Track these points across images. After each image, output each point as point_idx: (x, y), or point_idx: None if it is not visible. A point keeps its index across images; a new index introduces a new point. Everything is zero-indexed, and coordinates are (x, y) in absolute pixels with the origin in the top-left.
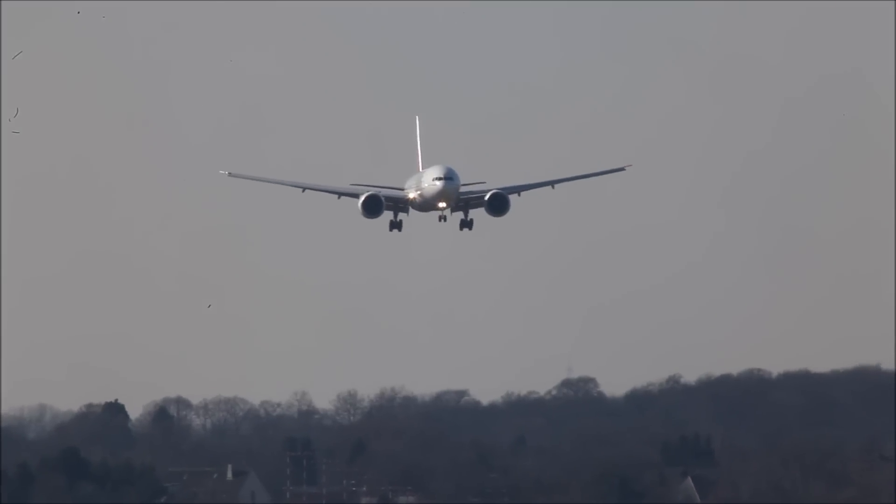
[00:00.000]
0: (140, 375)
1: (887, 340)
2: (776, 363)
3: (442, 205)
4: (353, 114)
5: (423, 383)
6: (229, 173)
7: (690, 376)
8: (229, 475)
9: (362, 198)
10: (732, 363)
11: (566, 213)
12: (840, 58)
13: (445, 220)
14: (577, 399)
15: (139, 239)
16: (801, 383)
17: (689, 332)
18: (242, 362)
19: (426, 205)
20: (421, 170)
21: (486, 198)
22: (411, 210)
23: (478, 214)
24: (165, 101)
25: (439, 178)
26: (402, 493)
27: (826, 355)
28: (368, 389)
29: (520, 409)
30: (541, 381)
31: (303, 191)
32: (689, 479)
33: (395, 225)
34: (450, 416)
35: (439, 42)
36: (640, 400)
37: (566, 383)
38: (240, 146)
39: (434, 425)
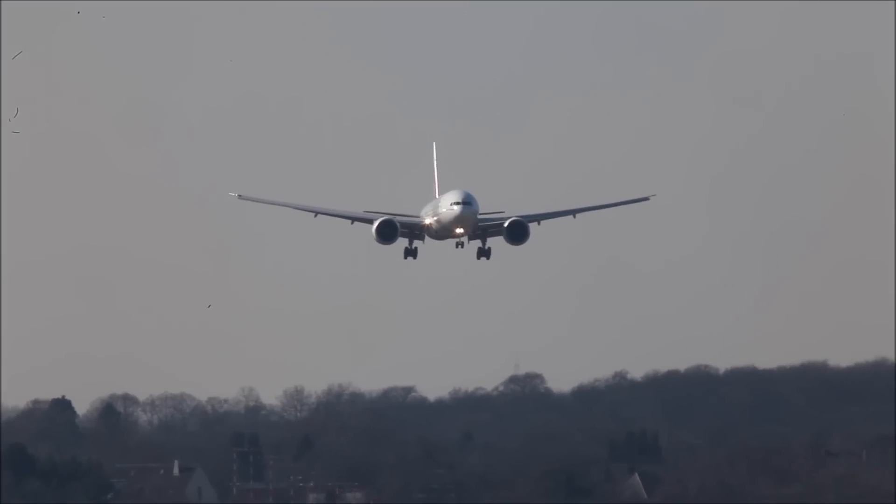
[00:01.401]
0: (87, 372)
1: (834, 336)
2: (723, 359)
3: (459, 231)
4: (368, 140)
5: (371, 380)
6: (239, 195)
7: (637, 372)
8: (176, 471)
9: (376, 222)
10: (679, 359)
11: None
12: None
13: (463, 246)
14: (524, 395)
15: (97, 237)
16: (747, 380)
17: (635, 328)
18: (190, 359)
19: (443, 231)
20: (437, 196)
21: (506, 225)
22: (427, 239)
23: (496, 243)
24: (165, 101)
25: (457, 203)
26: (349, 489)
27: (773, 351)
28: (316, 386)
29: (467, 405)
30: (488, 378)
31: (315, 215)
32: (636, 476)
33: (410, 252)
34: (397, 412)
35: (459, 69)
36: (586, 396)
37: (513, 379)
38: (249, 165)
39: (381, 422)
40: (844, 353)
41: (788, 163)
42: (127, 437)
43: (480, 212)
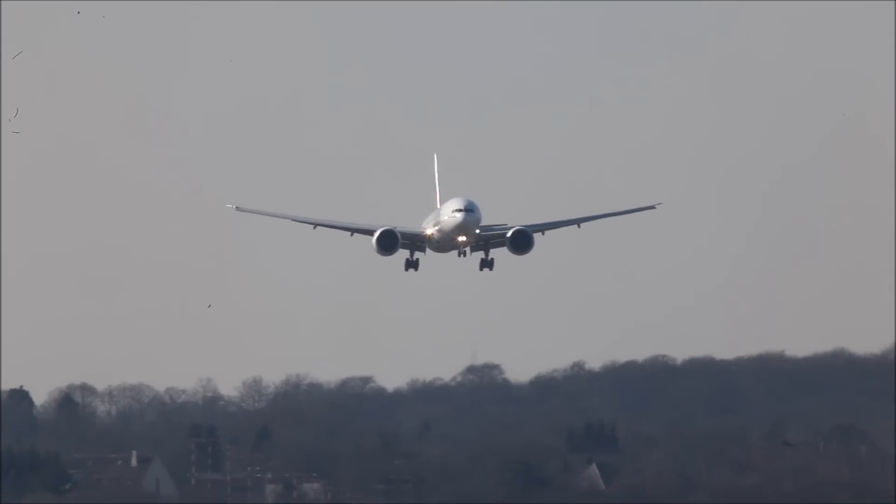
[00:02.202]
0: (45, 362)
1: (792, 326)
2: (681, 350)
3: (462, 239)
4: (368, 152)
5: (329, 370)
6: (237, 207)
7: (595, 363)
8: (134, 462)
9: (377, 233)
10: (637, 350)
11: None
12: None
13: (465, 255)
14: (482, 385)
15: (65, 229)
16: (705, 370)
17: (593, 318)
18: (148, 349)
19: (444, 241)
20: (439, 207)
21: (509, 235)
22: (428, 251)
23: (498, 255)
24: (165, 103)
25: (459, 210)
26: (307, 479)
27: (731, 342)
28: (274, 376)
29: (424, 395)
30: (445, 368)
31: (314, 227)
32: (594, 466)
33: (412, 264)
34: (355, 402)
35: (460, 78)
36: (544, 387)
37: (471, 369)
38: (247, 176)
39: (339, 412)
40: (802, 342)
41: (761, 154)
42: (85, 428)
43: (483, 223)
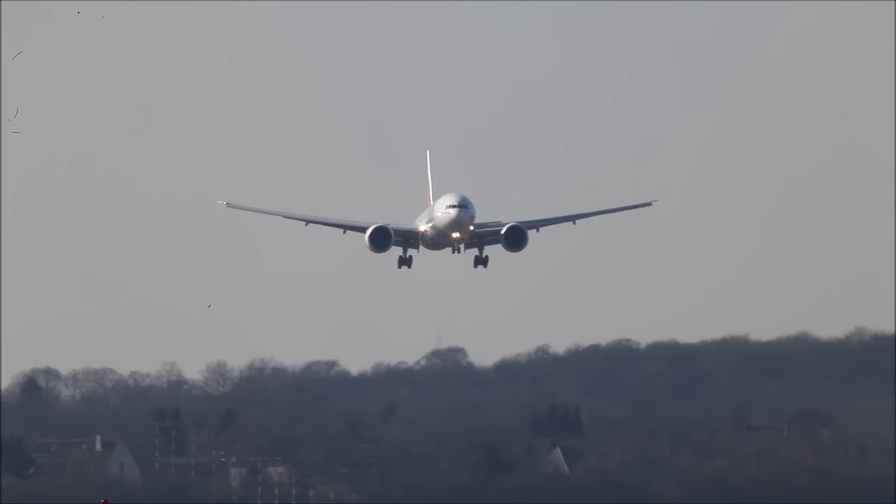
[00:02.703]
0: (8, 346)
1: (756, 311)
2: (645, 334)
3: (456, 236)
4: (361, 149)
5: (293, 354)
6: (227, 203)
7: (559, 347)
8: (98, 446)
9: (370, 230)
10: (601, 334)
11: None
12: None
13: (459, 251)
14: (446, 369)
15: (32, 219)
16: (669, 354)
17: (557, 302)
18: (112, 332)
19: (438, 238)
20: (432, 204)
21: (503, 231)
22: (421, 248)
23: (493, 251)
24: (166, 101)
25: (453, 206)
26: (272, 463)
27: (694, 326)
28: (238, 360)
29: (389, 379)
30: (410, 352)
31: (306, 224)
32: (558, 450)
33: (405, 261)
34: (319, 386)
35: (453, 74)
36: (508, 370)
37: (435, 353)
38: (238, 172)
39: (303, 396)
40: (766, 327)
41: (740, 145)
42: (49, 412)
43: (477, 220)
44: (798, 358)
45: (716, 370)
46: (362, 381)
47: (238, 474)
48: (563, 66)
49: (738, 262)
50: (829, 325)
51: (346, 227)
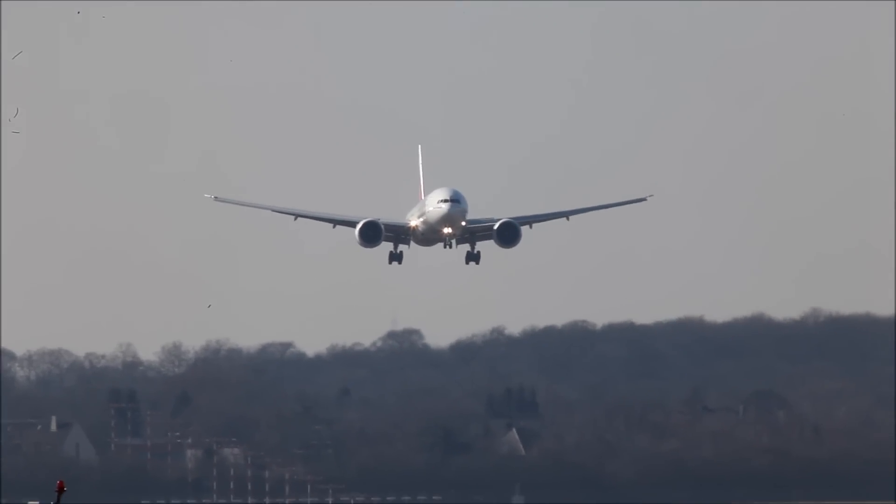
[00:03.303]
0: None
1: (711, 292)
2: (600, 315)
3: (447, 231)
4: (350, 142)
5: (249, 336)
6: (215, 197)
7: (515, 328)
8: (53, 427)
9: (360, 224)
10: (557, 315)
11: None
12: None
13: (451, 247)
14: (402, 351)
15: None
16: (625, 335)
17: (512, 283)
18: (67, 314)
19: (429, 233)
20: (423, 198)
21: (496, 227)
22: (412, 244)
23: (485, 247)
24: (166, 101)
25: (445, 200)
26: (227, 444)
27: (650, 307)
28: (193, 341)
29: (344, 360)
30: (366, 333)
31: (295, 218)
32: (514, 431)
33: (395, 257)
34: (275, 368)
35: (446, 68)
36: (464, 352)
37: (391, 335)
38: (228, 165)
39: (259, 378)
40: (721, 308)
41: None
42: (4, 393)
43: (469, 216)
44: (753, 339)
45: (671, 351)
46: (318, 362)
47: (194, 455)
48: (555, 62)
49: (693, 245)
50: (785, 307)
51: (336, 222)
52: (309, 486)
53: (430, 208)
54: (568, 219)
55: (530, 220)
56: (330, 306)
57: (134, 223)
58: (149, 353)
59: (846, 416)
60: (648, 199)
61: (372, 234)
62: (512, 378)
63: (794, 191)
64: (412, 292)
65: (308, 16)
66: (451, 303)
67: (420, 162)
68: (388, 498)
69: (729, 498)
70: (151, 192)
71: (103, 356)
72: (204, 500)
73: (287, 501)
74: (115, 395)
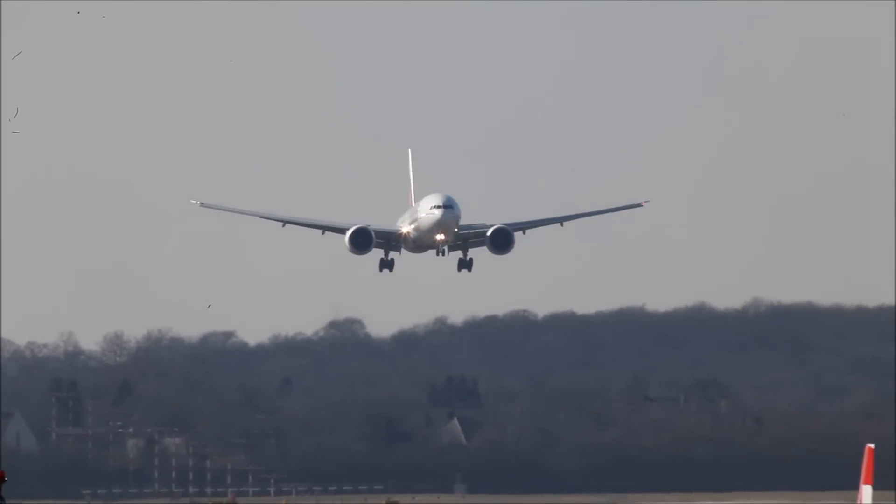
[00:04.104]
0: None
1: (653, 281)
2: (541, 305)
3: (440, 237)
4: (338, 147)
5: (190, 325)
6: (201, 203)
7: (457, 318)
8: None
9: (350, 231)
10: (498, 305)
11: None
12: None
13: (444, 254)
14: (344, 340)
15: None
16: (566, 325)
17: (455, 273)
18: (8, 303)
19: (421, 240)
20: (414, 205)
21: (489, 233)
22: (403, 251)
23: (477, 254)
24: (165, 101)
25: (437, 206)
26: (169, 434)
27: (591, 297)
28: (135, 331)
29: (287, 350)
30: (308, 323)
31: (283, 225)
32: (456, 420)
33: (386, 264)
34: (217, 357)
35: (437, 71)
36: (406, 341)
37: (333, 325)
38: (212, 172)
39: (201, 367)
40: (662, 297)
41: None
42: None
43: (462, 223)
44: (695, 329)
45: (613, 341)
46: (260, 351)
47: (135, 445)
48: (548, 66)
49: (634, 233)
50: (726, 296)
51: (325, 228)
52: (250, 476)
53: (423, 214)
54: (562, 224)
55: (523, 227)
56: (272, 296)
57: (77, 213)
58: (90, 342)
59: (788, 405)
60: (644, 204)
61: (363, 240)
62: (454, 368)
63: (735, 182)
64: (354, 282)
65: (294, 20)
66: (393, 293)
67: (410, 166)
68: (330, 487)
69: (670, 487)
70: (100, 185)
71: (45, 345)
72: (145, 490)
73: (228, 491)
74: (56, 385)
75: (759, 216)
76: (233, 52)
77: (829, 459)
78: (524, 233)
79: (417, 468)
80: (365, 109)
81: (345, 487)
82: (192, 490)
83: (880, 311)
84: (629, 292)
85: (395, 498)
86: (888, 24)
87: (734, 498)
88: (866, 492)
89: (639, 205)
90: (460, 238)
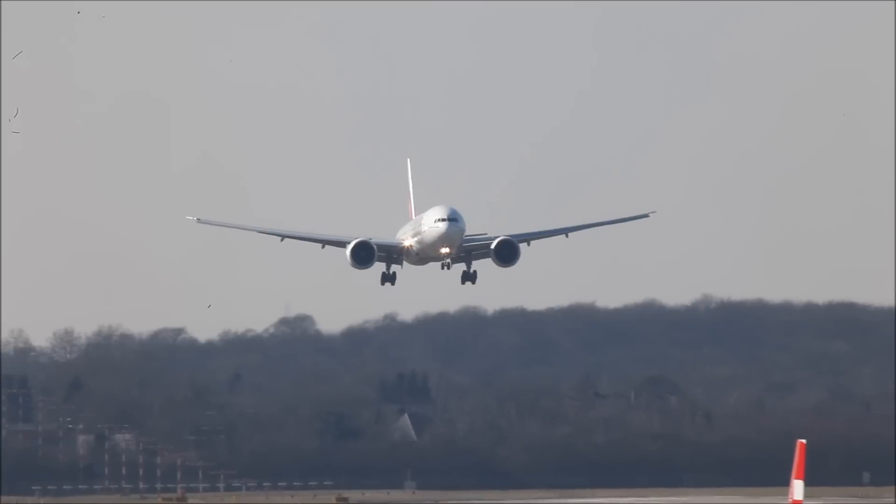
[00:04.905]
0: None
1: (603, 277)
2: (492, 301)
3: (445, 251)
4: (336, 157)
5: (141, 321)
6: (198, 219)
7: (407, 314)
8: None
9: (351, 245)
10: (449, 301)
11: None
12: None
13: (449, 267)
14: (294, 337)
15: None
16: (516, 321)
17: (404, 269)
18: None
19: (425, 253)
20: (414, 217)
21: (494, 245)
22: (405, 263)
23: (481, 266)
24: (164, 102)
25: (442, 219)
26: (119, 430)
27: (541, 293)
28: (85, 327)
29: (237, 346)
30: (258, 319)
31: (281, 239)
32: (406, 417)
33: (388, 278)
34: (167, 353)
35: (438, 78)
36: (356, 338)
37: (283, 321)
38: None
39: (151, 363)
40: (613, 294)
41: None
42: None
43: (465, 234)
44: (645, 325)
45: (563, 338)
46: (210, 348)
47: (85, 441)
48: (554, 72)
49: (583, 231)
50: (676, 293)
51: (325, 242)
52: (200, 472)
53: (427, 227)
54: (567, 236)
55: (528, 238)
56: (222, 292)
57: (27, 210)
58: (40, 338)
59: (737, 401)
60: (651, 215)
61: (364, 254)
62: (404, 364)
63: (683, 179)
64: (304, 278)
65: (293, 27)
66: (343, 289)
67: (409, 176)
68: (280, 483)
69: (620, 483)
70: (43, 182)
71: None
72: (95, 486)
73: (178, 487)
74: (6, 381)
75: (709, 214)
76: (231, 56)
77: (779, 456)
78: (529, 244)
79: (368, 464)
80: (363, 117)
81: (295, 483)
82: (141, 486)
83: (830, 308)
84: (580, 289)
85: (346, 494)
86: (888, 24)
87: (684, 494)
88: (797, 487)
89: (646, 215)
90: (464, 250)
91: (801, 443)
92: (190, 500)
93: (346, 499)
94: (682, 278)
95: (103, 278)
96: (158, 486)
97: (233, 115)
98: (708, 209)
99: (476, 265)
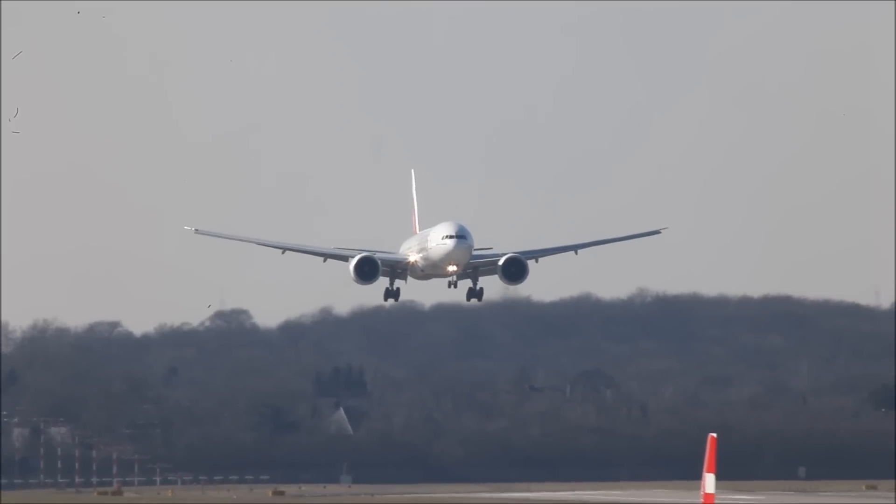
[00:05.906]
0: None
1: (538, 271)
2: (428, 296)
3: (452, 268)
4: (339, 168)
5: (76, 315)
6: (196, 230)
7: (343, 308)
8: None
9: (355, 260)
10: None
11: None
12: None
13: (456, 286)
14: (230, 330)
15: None
16: (452, 315)
17: (338, 263)
18: None
19: (431, 269)
20: (417, 230)
21: (501, 263)
22: (409, 279)
23: (488, 282)
24: (164, 101)
25: (450, 237)
26: (54, 423)
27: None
28: (20, 320)
29: (173, 340)
30: (193, 313)
31: (282, 252)
32: (342, 410)
33: (391, 294)
34: (102, 347)
35: (443, 90)
36: (293, 331)
37: (219, 315)
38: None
39: (86, 357)
40: (548, 288)
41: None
42: None
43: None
44: (580, 319)
45: (499, 331)
46: (146, 341)
47: (21, 434)
48: (559, 88)
49: (520, 223)
50: (611, 287)
51: (327, 256)
52: (136, 466)
53: (433, 244)
54: (576, 253)
55: (536, 255)
56: (157, 285)
57: None
58: None
59: (673, 395)
60: (662, 231)
61: (368, 270)
62: (340, 357)
63: (611, 174)
64: (240, 272)
65: (292, 32)
66: (279, 282)
67: (413, 188)
68: (216, 477)
69: (556, 477)
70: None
71: None
72: (31, 480)
73: (114, 481)
74: None
75: (644, 207)
76: (231, 56)
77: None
78: (536, 261)
79: (304, 458)
80: (367, 128)
81: (231, 477)
82: (77, 480)
83: (764, 302)
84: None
85: (282, 488)
86: (888, 24)
87: (619, 487)
88: (709, 480)
89: (657, 232)
90: (470, 267)
91: (713, 436)
92: (126, 494)
93: (282, 492)
94: (618, 272)
95: (38, 272)
96: (94, 479)
97: (232, 119)
98: (643, 204)
99: (482, 281)
